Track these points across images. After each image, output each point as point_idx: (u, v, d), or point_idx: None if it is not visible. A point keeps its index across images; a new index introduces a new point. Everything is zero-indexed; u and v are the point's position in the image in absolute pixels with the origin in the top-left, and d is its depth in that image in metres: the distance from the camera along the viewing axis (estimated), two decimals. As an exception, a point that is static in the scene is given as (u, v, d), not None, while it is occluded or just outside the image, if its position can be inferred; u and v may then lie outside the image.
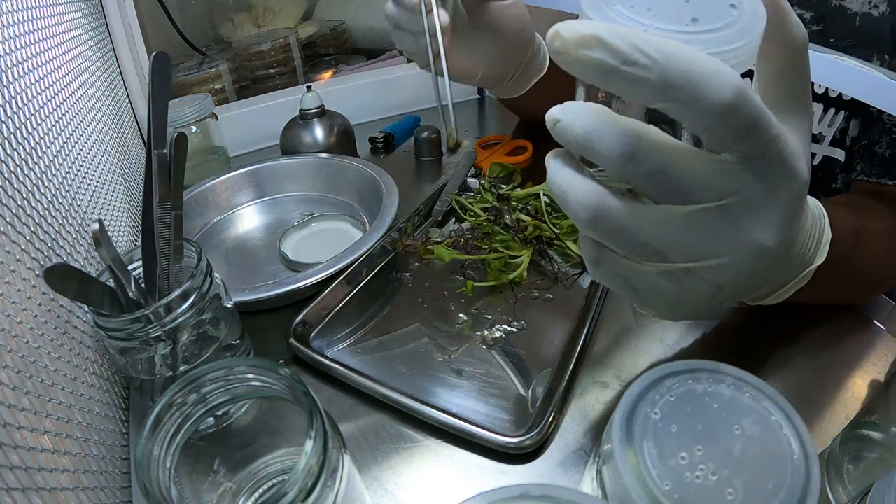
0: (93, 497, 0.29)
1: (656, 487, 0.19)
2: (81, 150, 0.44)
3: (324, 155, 0.65)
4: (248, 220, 0.63)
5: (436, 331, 0.44)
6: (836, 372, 0.38)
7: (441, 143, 0.72)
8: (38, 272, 0.30)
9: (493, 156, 0.69)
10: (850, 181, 0.47)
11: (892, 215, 0.42)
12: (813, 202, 0.29)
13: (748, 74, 0.26)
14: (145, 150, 0.35)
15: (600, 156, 0.21)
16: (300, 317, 0.43)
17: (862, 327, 0.41)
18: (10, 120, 0.32)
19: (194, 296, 0.33)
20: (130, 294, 0.32)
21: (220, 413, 0.26)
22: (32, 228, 0.31)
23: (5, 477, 0.22)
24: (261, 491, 0.30)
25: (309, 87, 0.65)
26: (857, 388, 0.37)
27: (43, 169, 0.35)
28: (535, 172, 0.62)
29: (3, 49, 0.34)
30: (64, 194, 0.38)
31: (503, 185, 0.56)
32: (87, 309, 0.31)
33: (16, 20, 0.37)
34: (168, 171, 0.34)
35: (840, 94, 0.46)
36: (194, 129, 0.65)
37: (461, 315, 0.45)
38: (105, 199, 0.48)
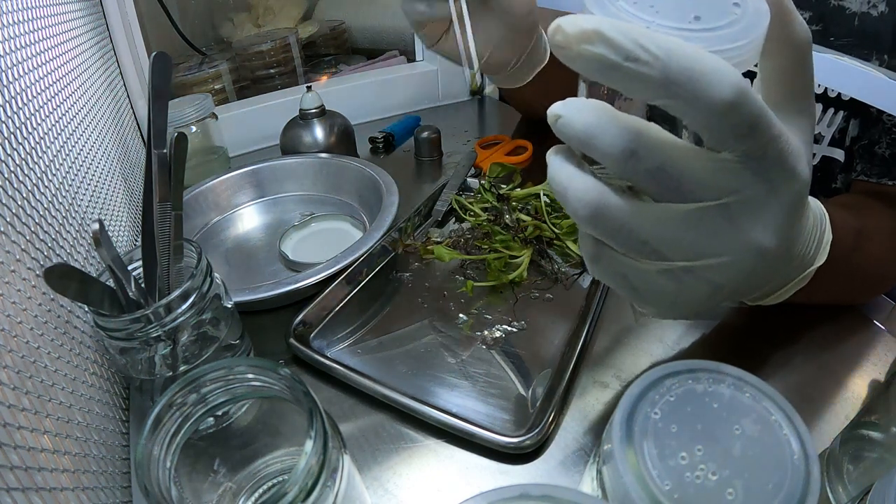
0: (93, 497, 0.29)
1: (656, 487, 0.19)
2: (81, 150, 0.44)
3: (324, 155, 0.65)
4: (248, 220, 0.63)
5: (436, 330, 0.44)
6: (836, 372, 0.38)
7: (440, 142, 0.72)
8: (38, 272, 0.30)
9: (493, 156, 0.69)
10: (849, 181, 0.47)
11: (892, 215, 0.42)
12: (814, 203, 0.29)
13: (750, 75, 0.26)
14: (145, 150, 0.35)
15: (601, 152, 0.21)
16: (300, 317, 0.43)
17: (862, 327, 0.41)
18: (10, 120, 0.32)
19: (194, 296, 0.33)
20: (130, 294, 0.32)
21: (220, 413, 0.26)
22: (32, 228, 0.31)
23: (5, 477, 0.22)
24: (261, 491, 0.30)
25: (309, 87, 0.65)
26: (857, 388, 0.37)
27: (43, 169, 0.35)
28: (535, 172, 0.62)
29: (3, 49, 0.34)
30: (64, 194, 0.38)
31: (503, 185, 0.56)
32: (87, 309, 0.31)
33: (16, 20, 0.37)
34: (168, 171, 0.34)
35: (839, 94, 0.46)
36: (194, 129, 0.65)
37: (461, 315, 0.45)
38: (105, 199, 0.48)
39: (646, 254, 0.23)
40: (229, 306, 0.37)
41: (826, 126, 0.47)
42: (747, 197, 0.22)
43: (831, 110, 0.47)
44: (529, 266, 0.47)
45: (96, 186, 0.46)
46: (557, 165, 0.23)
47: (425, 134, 0.70)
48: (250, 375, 0.25)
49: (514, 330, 0.43)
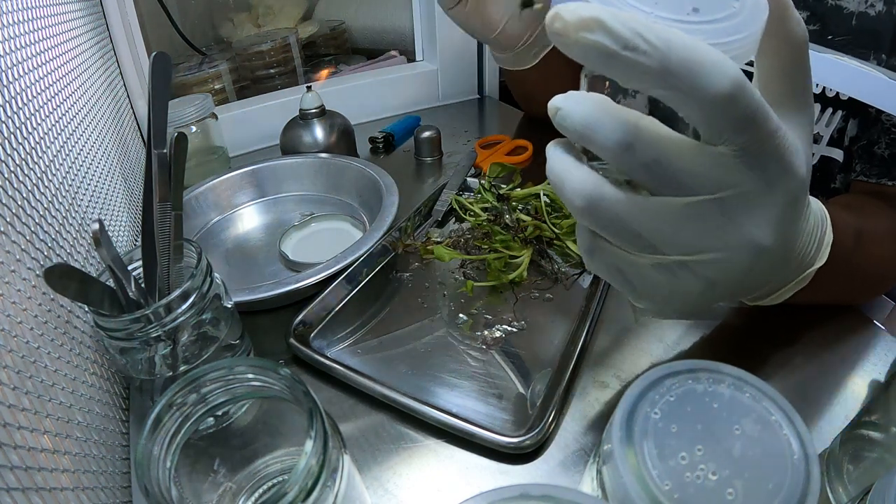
0: (93, 497, 0.29)
1: (656, 487, 0.19)
2: (81, 150, 0.44)
3: (324, 155, 0.65)
4: (248, 220, 0.63)
5: (436, 330, 0.44)
6: (836, 372, 0.38)
7: (440, 142, 0.72)
8: (38, 272, 0.30)
9: (493, 156, 0.69)
10: (849, 181, 0.47)
11: (891, 216, 0.42)
12: (816, 204, 0.29)
13: (747, 74, 0.26)
14: (145, 150, 0.35)
15: (598, 145, 0.21)
16: (300, 317, 0.43)
17: (862, 327, 0.41)
18: (10, 120, 0.32)
19: (194, 296, 0.33)
20: (130, 294, 0.32)
21: (220, 413, 0.26)
22: (32, 228, 0.31)
23: (5, 477, 0.22)
24: (261, 491, 0.30)
25: (309, 87, 0.65)
26: (857, 388, 0.37)
27: (43, 169, 0.35)
28: (535, 172, 0.62)
29: (3, 49, 0.34)
30: (64, 194, 0.38)
31: (503, 185, 0.56)
32: (87, 309, 0.31)
33: (16, 20, 0.37)
34: (168, 171, 0.34)
35: (837, 94, 0.46)
36: (194, 129, 0.65)
37: (461, 315, 0.45)
38: (105, 199, 0.48)
39: (640, 247, 0.23)
40: (229, 306, 0.37)
41: (824, 126, 0.47)
42: (744, 192, 0.22)
43: (829, 110, 0.47)
44: (529, 266, 0.47)
45: (96, 186, 0.46)
46: (555, 157, 0.24)
47: (425, 134, 0.70)
48: (250, 375, 0.25)
49: (514, 330, 0.43)
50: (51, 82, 0.41)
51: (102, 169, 0.49)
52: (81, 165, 0.43)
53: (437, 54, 0.85)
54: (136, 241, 0.53)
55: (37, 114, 0.36)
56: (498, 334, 0.43)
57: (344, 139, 0.67)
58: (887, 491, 0.19)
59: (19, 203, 0.30)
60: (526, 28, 0.54)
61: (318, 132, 0.65)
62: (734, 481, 0.19)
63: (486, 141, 0.73)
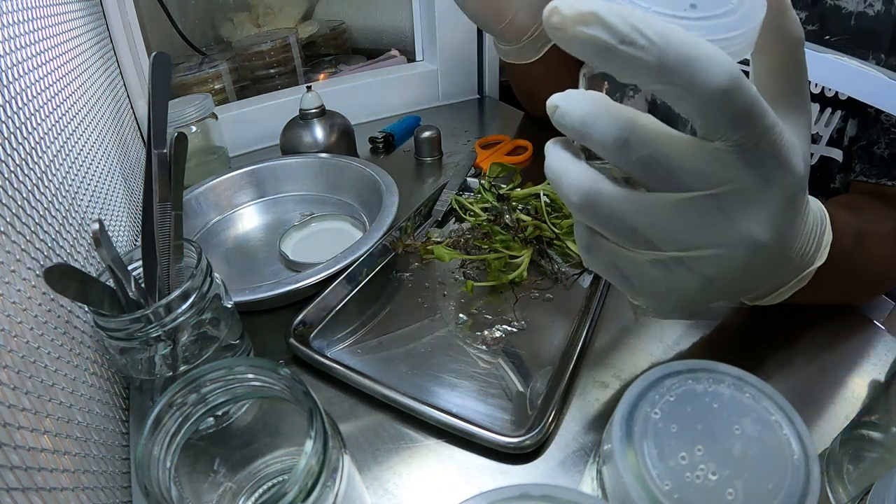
0: (93, 497, 0.29)
1: (656, 487, 0.19)
2: (81, 150, 0.44)
3: (324, 155, 0.65)
4: (248, 220, 0.63)
5: (436, 330, 0.44)
6: (836, 372, 0.38)
7: (440, 142, 0.72)
8: (38, 272, 0.30)
9: (493, 156, 0.69)
10: (848, 182, 0.47)
11: (891, 216, 0.42)
12: (815, 203, 0.29)
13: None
14: (145, 150, 0.35)
15: (595, 141, 0.21)
16: (300, 317, 0.43)
17: (862, 327, 0.41)
18: (10, 120, 0.32)
19: (194, 296, 0.33)
20: (130, 294, 0.32)
21: (220, 413, 0.26)
22: (32, 228, 0.31)
23: (5, 477, 0.22)
24: (261, 491, 0.30)
25: (309, 87, 0.65)
26: (857, 388, 0.37)
27: (43, 169, 0.35)
28: (535, 172, 0.62)
29: (3, 49, 0.34)
30: (64, 194, 0.38)
31: (503, 185, 0.56)
32: (87, 309, 0.31)
33: (16, 20, 0.37)
34: (168, 171, 0.34)
35: (836, 94, 0.46)
36: (194, 129, 0.65)
37: (461, 315, 0.45)
38: (105, 199, 0.48)
39: (637, 243, 0.23)
40: (229, 306, 0.37)
41: (823, 126, 0.47)
42: (740, 188, 0.22)
43: (828, 110, 0.47)
44: (529, 266, 0.47)
45: (96, 186, 0.46)
46: (554, 154, 0.24)
47: (425, 134, 0.70)
48: (250, 375, 0.25)
49: (514, 330, 0.43)
50: (51, 82, 0.41)
51: (102, 169, 0.49)
52: (81, 165, 0.43)
53: (437, 54, 0.85)
54: (136, 241, 0.53)
55: (37, 114, 0.36)
56: (498, 334, 0.43)
57: (344, 139, 0.67)
58: (887, 491, 0.19)
59: (19, 203, 0.30)
60: (534, 20, 0.54)
61: (318, 132, 0.65)
62: (734, 481, 0.19)
63: (486, 141, 0.73)
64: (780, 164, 0.22)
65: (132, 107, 0.69)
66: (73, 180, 0.40)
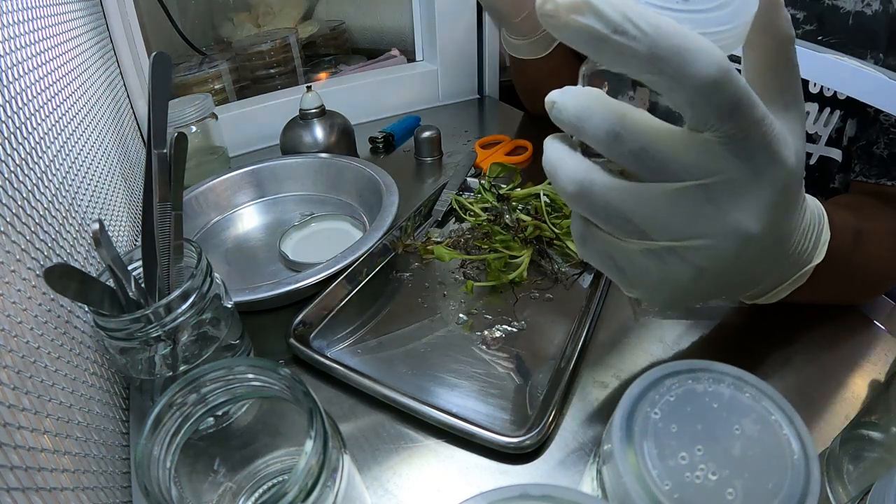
0: (93, 497, 0.29)
1: (656, 487, 0.19)
2: (81, 150, 0.44)
3: (324, 155, 0.65)
4: (248, 220, 0.63)
5: (436, 330, 0.44)
6: (836, 372, 0.38)
7: (440, 142, 0.72)
8: (38, 272, 0.30)
9: (493, 156, 0.69)
10: (848, 182, 0.47)
11: (891, 216, 0.42)
12: (812, 201, 0.29)
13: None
14: (145, 150, 0.35)
15: (589, 134, 0.22)
16: (300, 317, 0.43)
17: (862, 327, 0.41)
18: (10, 120, 0.32)
19: (194, 296, 0.33)
20: (130, 294, 0.32)
21: (220, 413, 0.26)
22: (32, 228, 0.31)
23: (5, 477, 0.22)
24: (261, 491, 0.30)
25: (309, 87, 0.65)
26: (857, 388, 0.37)
27: (43, 169, 0.35)
28: (535, 172, 0.62)
29: (3, 49, 0.34)
30: (64, 194, 0.38)
31: (503, 185, 0.56)
32: (87, 309, 0.31)
33: (16, 20, 0.37)
34: (168, 171, 0.34)
35: (835, 94, 0.46)
36: (194, 129, 0.65)
37: (461, 315, 0.45)
38: (105, 199, 0.48)
39: (630, 232, 0.24)
40: (229, 306, 0.37)
41: (822, 125, 0.47)
42: (729, 179, 0.22)
43: (827, 109, 0.47)
44: (529, 266, 0.47)
45: (96, 186, 0.46)
46: (551, 148, 0.24)
47: (425, 134, 0.70)
48: (250, 375, 0.25)
49: (514, 330, 0.43)
50: (51, 82, 0.41)
51: (102, 169, 0.49)
52: (81, 165, 0.43)
53: (437, 54, 0.85)
54: (136, 241, 0.53)
55: (37, 114, 0.36)
56: (498, 334, 0.43)
57: (344, 139, 0.67)
58: (887, 491, 0.19)
59: (19, 203, 0.30)
60: None
61: (318, 132, 0.65)
62: (734, 481, 0.19)
63: (486, 141, 0.73)
64: (770, 156, 0.22)
65: (132, 107, 0.69)
66: (73, 180, 0.40)
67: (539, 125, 0.79)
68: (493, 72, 0.90)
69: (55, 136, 0.39)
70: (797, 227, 0.27)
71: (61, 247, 0.35)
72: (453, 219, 0.58)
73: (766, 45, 0.24)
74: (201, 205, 0.61)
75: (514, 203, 0.52)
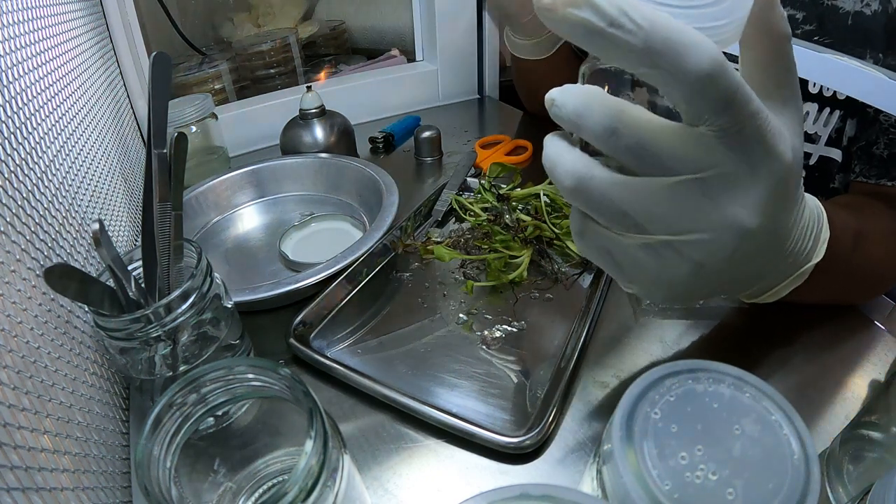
0: (93, 497, 0.29)
1: (656, 487, 0.19)
2: (81, 150, 0.44)
3: (324, 155, 0.65)
4: (248, 220, 0.63)
5: (436, 330, 0.44)
6: (836, 372, 0.38)
7: (440, 142, 0.72)
8: (38, 272, 0.30)
9: (493, 156, 0.69)
10: (848, 182, 0.47)
11: (891, 216, 0.42)
12: (812, 200, 0.29)
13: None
14: (145, 150, 0.35)
15: (587, 130, 0.22)
16: (300, 317, 0.43)
17: (862, 327, 0.41)
18: (10, 120, 0.32)
19: (194, 296, 0.33)
20: (130, 294, 0.32)
21: (220, 413, 0.26)
22: (32, 228, 0.31)
23: (5, 477, 0.22)
24: (261, 491, 0.30)
25: (309, 87, 0.65)
26: (857, 388, 0.37)
27: (43, 169, 0.35)
28: (535, 172, 0.62)
29: (3, 49, 0.34)
30: (64, 194, 0.38)
31: (503, 185, 0.56)
32: (87, 309, 0.31)
33: (16, 20, 0.37)
34: (168, 171, 0.34)
35: (834, 94, 0.46)
36: (194, 129, 0.65)
37: (461, 315, 0.45)
38: (105, 199, 0.48)
39: (627, 226, 0.24)
40: (229, 306, 0.37)
41: (822, 126, 0.47)
42: (725, 173, 0.22)
43: (827, 110, 0.47)
44: (529, 266, 0.47)
45: (96, 186, 0.46)
46: (550, 144, 0.25)
47: (425, 134, 0.70)
48: (250, 375, 0.25)
49: (514, 330, 0.43)
50: (51, 82, 0.41)
51: (102, 169, 0.49)
52: (81, 165, 0.43)
53: (437, 54, 0.85)
54: (136, 241, 0.53)
55: (37, 114, 0.36)
56: (498, 334, 0.43)
57: (344, 139, 0.67)
58: (887, 491, 0.19)
59: (19, 203, 0.30)
60: None
61: (318, 132, 0.65)
62: (734, 481, 0.19)
63: (486, 141, 0.73)
64: (765, 149, 0.22)
65: (132, 107, 0.69)
66: (73, 180, 0.40)
67: (539, 125, 0.79)
68: (493, 72, 0.90)
69: (55, 136, 0.39)
70: (796, 225, 0.27)
71: (61, 247, 0.35)
72: (453, 219, 0.58)
73: (763, 42, 0.24)
74: (201, 205, 0.61)
75: (514, 203, 0.52)
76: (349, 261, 0.47)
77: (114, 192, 0.51)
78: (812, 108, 0.47)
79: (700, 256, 0.24)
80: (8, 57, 0.34)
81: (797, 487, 0.19)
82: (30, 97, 0.36)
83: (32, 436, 0.25)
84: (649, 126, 0.22)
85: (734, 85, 0.20)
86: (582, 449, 0.35)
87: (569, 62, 0.64)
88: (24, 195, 0.31)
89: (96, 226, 0.28)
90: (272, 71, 0.88)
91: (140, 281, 0.34)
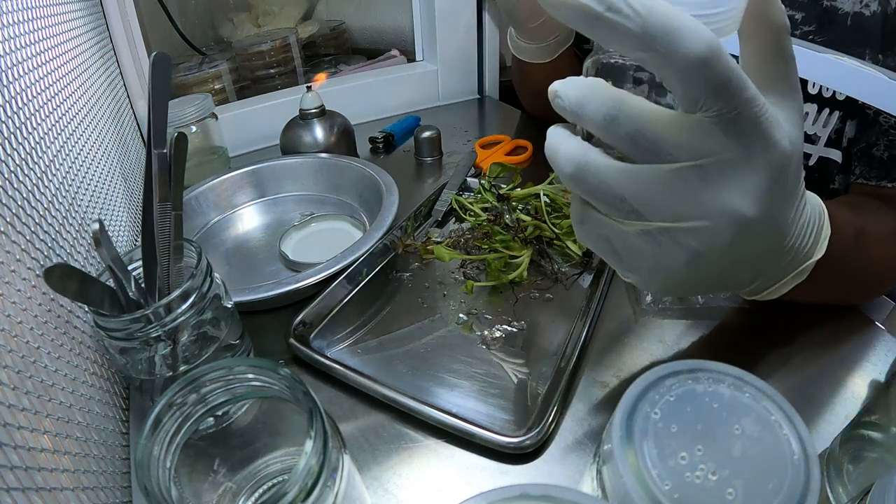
0: (93, 497, 0.29)
1: (656, 487, 0.19)
2: (81, 150, 0.44)
3: (324, 155, 0.65)
4: (248, 220, 0.63)
5: (436, 330, 0.44)
6: (836, 372, 0.38)
7: (440, 142, 0.72)
8: (38, 272, 0.30)
9: (493, 156, 0.69)
10: (848, 183, 0.47)
11: (892, 216, 0.42)
12: (813, 197, 0.29)
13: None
14: (145, 150, 0.35)
15: (588, 119, 0.23)
16: (300, 317, 0.43)
17: (862, 327, 0.41)
18: (10, 120, 0.32)
19: (194, 296, 0.33)
20: (130, 294, 0.32)
21: (220, 413, 0.26)
22: (32, 228, 0.31)
23: (5, 477, 0.22)
24: (261, 491, 0.30)
25: (309, 87, 0.65)
26: (857, 388, 0.37)
27: (43, 169, 0.35)
28: (535, 172, 0.61)
29: (3, 49, 0.34)
30: (64, 194, 0.38)
31: (503, 185, 0.56)
32: (87, 309, 0.31)
33: (16, 20, 0.37)
34: (168, 171, 0.34)
35: (834, 95, 0.46)
36: (194, 129, 0.65)
37: (461, 315, 0.45)
38: (105, 199, 0.48)
39: (625, 213, 0.24)
40: (229, 306, 0.37)
41: (822, 126, 0.47)
42: (722, 160, 0.22)
43: (826, 110, 0.47)
44: (529, 266, 0.47)
45: (96, 186, 0.46)
46: (552, 133, 0.26)
47: (425, 134, 0.70)
48: (250, 375, 0.25)
49: (514, 330, 0.43)
50: (51, 82, 0.41)
51: (102, 169, 0.49)
52: (81, 165, 0.43)
53: (437, 54, 0.85)
54: (136, 241, 0.53)
55: (37, 114, 0.36)
56: (498, 334, 0.43)
57: (344, 139, 0.67)
58: (887, 491, 0.19)
59: (19, 203, 0.30)
60: (561, 25, 0.55)
61: (318, 132, 0.65)
62: (734, 481, 0.19)
63: (486, 141, 0.73)
64: (762, 136, 0.22)
65: (132, 107, 0.69)
66: (73, 180, 0.40)
67: (539, 125, 0.79)
68: (493, 72, 0.90)
69: (55, 136, 0.39)
70: (796, 220, 0.27)
71: (61, 247, 0.35)
72: (453, 219, 0.58)
73: (761, 35, 0.24)
74: (201, 205, 0.61)
75: (514, 203, 0.52)
76: (349, 261, 0.47)
77: (114, 192, 0.51)
78: (811, 108, 0.47)
79: (698, 244, 0.24)
80: (8, 57, 0.34)
81: (797, 487, 0.19)
82: (30, 97, 0.36)
83: (32, 436, 0.25)
84: (648, 114, 0.22)
85: (729, 70, 0.21)
86: (582, 449, 0.35)
87: (571, 65, 0.65)
88: (24, 195, 0.31)
89: (96, 226, 0.28)
90: (272, 71, 0.88)
91: (140, 281, 0.34)
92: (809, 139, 0.48)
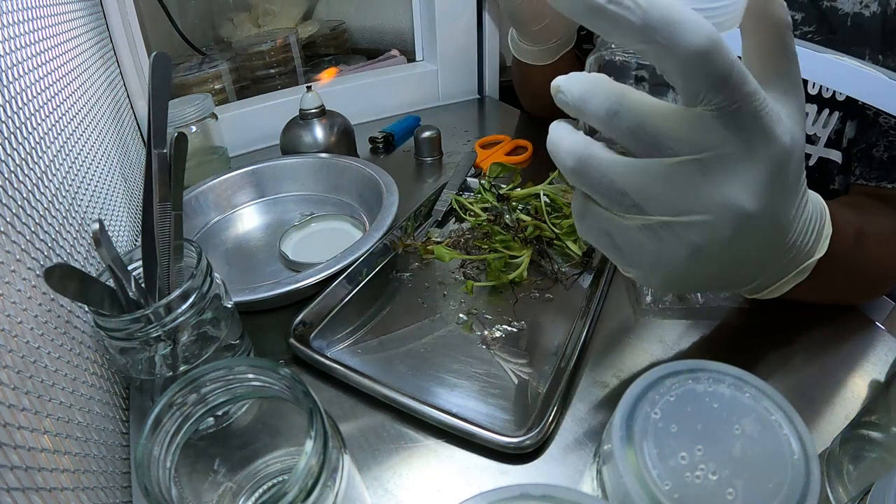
0: (93, 497, 0.29)
1: (656, 487, 0.19)
2: (81, 150, 0.44)
3: (324, 155, 0.65)
4: (248, 220, 0.63)
5: (436, 330, 0.44)
6: (836, 372, 0.38)
7: (440, 142, 0.72)
8: (38, 272, 0.30)
9: (493, 156, 0.69)
10: (848, 184, 0.47)
11: (892, 216, 0.42)
12: (814, 195, 0.29)
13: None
14: (145, 150, 0.35)
15: (590, 113, 0.23)
16: (300, 317, 0.43)
17: (862, 327, 0.41)
18: (10, 120, 0.32)
19: (194, 296, 0.33)
20: (130, 294, 0.32)
21: (220, 413, 0.26)
22: (32, 228, 0.31)
23: (5, 477, 0.22)
24: (261, 491, 0.30)
25: (309, 87, 0.65)
26: (857, 388, 0.37)
27: (43, 169, 0.35)
28: (535, 172, 0.61)
29: (3, 49, 0.34)
30: (64, 194, 0.38)
31: (503, 185, 0.56)
32: (87, 309, 0.31)
33: (16, 20, 0.37)
34: (168, 171, 0.34)
35: (834, 95, 0.46)
36: (194, 129, 0.65)
37: (461, 315, 0.45)
38: (105, 199, 0.48)
39: (626, 207, 0.24)
40: (229, 306, 0.37)
41: (822, 127, 0.47)
42: (722, 153, 0.22)
43: (826, 111, 0.47)
44: (529, 266, 0.47)
45: (96, 186, 0.46)
46: (554, 128, 0.26)
47: (425, 134, 0.70)
48: (250, 375, 0.25)
49: (514, 330, 0.43)
50: (51, 82, 0.41)
51: (102, 169, 0.49)
52: (81, 165, 0.43)
53: (437, 54, 0.85)
54: (136, 241, 0.53)
55: (37, 114, 0.36)
56: (498, 334, 0.43)
57: (344, 139, 0.67)
58: (887, 491, 0.19)
59: (19, 203, 0.30)
60: (565, 27, 0.56)
61: (318, 132, 0.65)
62: (734, 481, 0.19)
63: (486, 141, 0.73)
64: (762, 131, 0.23)
65: (132, 107, 0.69)
66: (73, 180, 0.40)
67: (539, 125, 0.79)
68: (493, 72, 0.90)
69: (55, 136, 0.39)
70: (797, 217, 0.27)
71: (61, 247, 0.35)
72: (453, 219, 0.58)
73: (763, 31, 0.24)
74: (201, 205, 0.61)
75: (514, 203, 0.52)
76: (349, 261, 0.47)
77: (114, 192, 0.51)
78: (811, 109, 0.47)
79: (698, 238, 0.24)
80: (8, 57, 0.34)
81: (797, 487, 0.19)
82: (30, 97, 0.36)
83: (32, 436, 0.25)
84: (649, 108, 0.22)
85: (730, 63, 0.21)
86: (582, 449, 0.35)
87: (572, 68, 0.65)
88: (24, 195, 0.31)
89: (96, 226, 0.28)
90: (272, 71, 0.88)
91: (140, 281, 0.34)
92: (809, 140, 0.48)
